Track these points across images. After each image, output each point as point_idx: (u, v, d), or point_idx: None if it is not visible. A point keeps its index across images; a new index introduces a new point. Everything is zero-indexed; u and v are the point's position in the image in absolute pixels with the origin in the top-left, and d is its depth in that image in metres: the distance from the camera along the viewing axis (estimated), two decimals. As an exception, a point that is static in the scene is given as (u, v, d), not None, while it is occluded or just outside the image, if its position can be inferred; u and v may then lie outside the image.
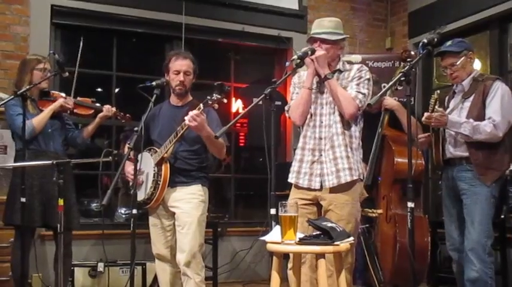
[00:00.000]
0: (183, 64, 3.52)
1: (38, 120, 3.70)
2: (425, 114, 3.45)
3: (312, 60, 2.99)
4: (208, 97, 3.15)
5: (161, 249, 3.56)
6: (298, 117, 3.10)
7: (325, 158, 3.03)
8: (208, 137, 3.33)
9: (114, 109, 3.94)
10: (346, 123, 3.04)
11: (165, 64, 3.60)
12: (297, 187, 3.10)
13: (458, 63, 3.53)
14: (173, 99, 3.64)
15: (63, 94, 3.93)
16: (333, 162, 3.00)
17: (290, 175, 3.13)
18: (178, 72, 3.51)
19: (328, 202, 3.01)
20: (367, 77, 3.07)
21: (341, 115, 3.02)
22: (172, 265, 3.55)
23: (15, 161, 3.80)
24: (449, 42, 3.60)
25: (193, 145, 3.51)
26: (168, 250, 3.55)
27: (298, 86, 3.14)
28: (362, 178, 3.12)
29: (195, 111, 3.20)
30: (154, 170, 3.44)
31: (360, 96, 3.01)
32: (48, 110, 3.75)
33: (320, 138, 3.05)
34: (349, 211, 2.99)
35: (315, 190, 3.03)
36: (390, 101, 4.05)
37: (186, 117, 3.24)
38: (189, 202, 3.45)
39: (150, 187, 3.45)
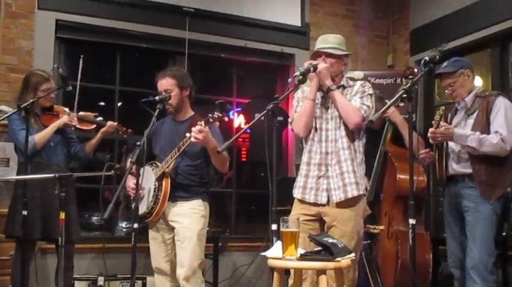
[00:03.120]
0: (161, 84, 3.54)
1: (41, 136, 3.71)
2: (430, 130, 3.45)
3: (316, 73, 3.01)
4: (210, 115, 3.18)
5: (161, 263, 3.55)
6: (301, 128, 3.12)
7: (331, 173, 3.04)
8: (214, 150, 3.34)
9: (116, 124, 3.97)
10: (352, 138, 3.06)
11: None
12: (302, 202, 3.10)
13: (455, 82, 3.55)
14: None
15: (66, 109, 3.96)
16: (340, 177, 3.01)
17: (295, 191, 3.14)
18: (161, 93, 3.54)
19: (331, 218, 3.01)
20: (370, 92, 3.11)
21: (346, 129, 3.04)
22: (172, 280, 3.54)
23: (17, 174, 3.81)
24: (445, 63, 3.63)
25: (195, 160, 3.52)
26: (168, 264, 3.54)
27: (302, 100, 3.16)
28: (365, 193, 3.13)
29: (197, 127, 3.21)
30: (155, 185, 3.45)
31: (365, 107, 3.04)
32: (51, 127, 3.76)
33: (326, 153, 3.07)
34: (353, 227, 3.00)
35: (320, 205, 3.04)
36: (396, 114, 4.05)
37: (187, 134, 3.26)
38: (189, 217, 3.45)
39: (151, 201, 3.45)
